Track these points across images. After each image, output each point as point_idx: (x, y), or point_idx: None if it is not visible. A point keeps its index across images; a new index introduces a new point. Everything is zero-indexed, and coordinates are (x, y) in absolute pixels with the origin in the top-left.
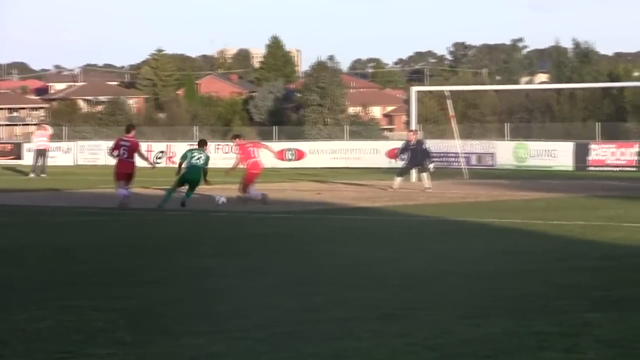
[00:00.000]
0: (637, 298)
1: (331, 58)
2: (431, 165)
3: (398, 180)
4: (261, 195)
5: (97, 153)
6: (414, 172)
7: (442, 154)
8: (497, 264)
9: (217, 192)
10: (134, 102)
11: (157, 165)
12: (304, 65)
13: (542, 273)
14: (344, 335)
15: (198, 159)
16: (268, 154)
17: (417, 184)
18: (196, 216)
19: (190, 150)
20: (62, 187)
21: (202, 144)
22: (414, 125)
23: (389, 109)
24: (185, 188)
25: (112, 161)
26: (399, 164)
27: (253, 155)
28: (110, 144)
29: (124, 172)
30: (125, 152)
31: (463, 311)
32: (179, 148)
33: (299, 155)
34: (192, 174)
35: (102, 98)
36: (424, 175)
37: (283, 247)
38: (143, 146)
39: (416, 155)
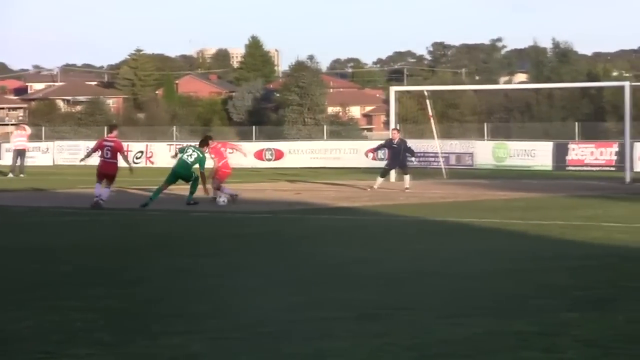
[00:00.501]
0: (616, 298)
1: (311, 58)
2: (414, 159)
3: (380, 180)
4: (234, 195)
5: (76, 153)
6: (393, 172)
7: (421, 154)
8: (477, 264)
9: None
10: (113, 102)
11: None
12: (283, 65)
13: (522, 273)
14: (323, 335)
15: (189, 155)
16: (239, 154)
17: (397, 183)
18: (176, 216)
19: (189, 147)
20: (43, 187)
21: (202, 143)
22: (393, 125)
23: (368, 108)
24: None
25: (92, 161)
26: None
27: (225, 156)
28: (90, 144)
29: (105, 172)
30: (109, 153)
31: (442, 311)
32: (158, 148)
33: (278, 155)
34: (178, 168)
35: (81, 98)
36: (406, 177)
37: (262, 247)
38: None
39: (399, 155)
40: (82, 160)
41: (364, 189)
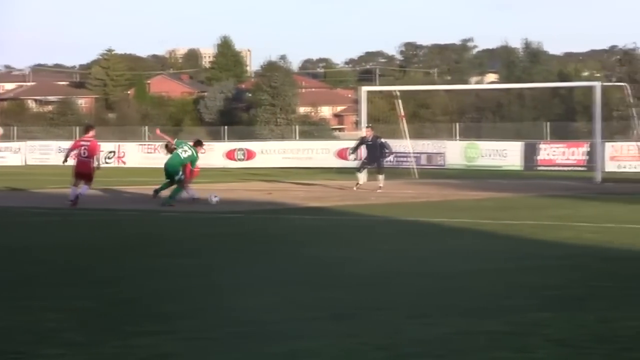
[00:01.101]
0: (587, 297)
1: (283, 58)
2: (391, 158)
3: (360, 175)
4: (197, 198)
5: (47, 153)
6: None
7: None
8: (448, 264)
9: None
10: (84, 102)
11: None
12: (254, 65)
13: (493, 273)
14: (296, 335)
15: (184, 151)
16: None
17: (368, 183)
18: (148, 216)
19: (185, 142)
20: (18, 187)
21: (197, 144)
22: (364, 125)
23: (339, 108)
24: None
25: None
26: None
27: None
28: (61, 143)
29: (81, 171)
30: (86, 152)
31: (415, 311)
32: (129, 148)
33: (250, 155)
34: (169, 165)
35: (52, 98)
36: (381, 177)
37: (234, 247)
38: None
39: (374, 151)
40: (64, 162)
41: (342, 189)
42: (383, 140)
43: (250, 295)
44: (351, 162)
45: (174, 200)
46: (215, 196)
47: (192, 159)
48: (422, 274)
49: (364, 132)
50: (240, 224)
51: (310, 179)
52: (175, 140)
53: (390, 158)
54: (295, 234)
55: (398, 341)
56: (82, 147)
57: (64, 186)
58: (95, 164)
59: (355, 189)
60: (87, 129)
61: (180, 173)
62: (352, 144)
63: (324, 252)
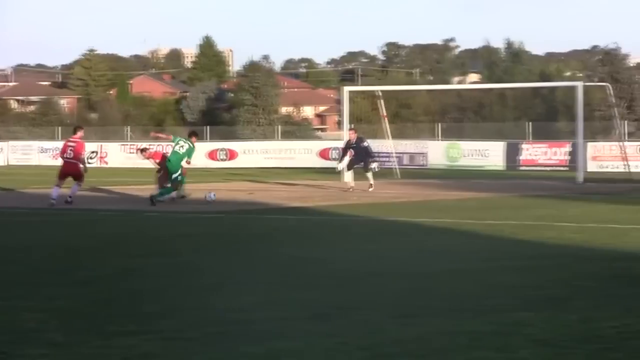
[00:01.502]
0: (568, 297)
1: (266, 58)
2: (374, 165)
3: (349, 174)
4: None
5: (29, 153)
6: (345, 172)
7: (374, 154)
8: (430, 264)
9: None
10: (66, 102)
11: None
12: (236, 65)
13: (474, 272)
14: (276, 335)
15: (181, 147)
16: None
17: (349, 183)
18: (128, 216)
19: (180, 139)
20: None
21: (192, 134)
22: (346, 125)
23: (321, 108)
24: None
25: (45, 162)
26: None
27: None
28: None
29: (68, 172)
30: (72, 153)
31: (395, 311)
32: (111, 148)
33: (231, 155)
34: (171, 164)
35: (34, 98)
36: (369, 175)
37: (215, 247)
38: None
39: (359, 153)
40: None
41: (346, 190)
42: (366, 144)
43: (230, 295)
44: (333, 163)
45: (162, 197)
46: (213, 194)
47: (189, 151)
48: (403, 274)
49: (348, 134)
50: (221, 224)
51: (292, 179)
52: (172, 137)
53: (375, 166)
54: (276, 234)
55: (379, 341)
56: (69, 148)
57: (46, 186)
58: (81, 166)
59: (350, 190)
60: (75, 129)
61: (179, 173)
62: (334, 144)
63: (304, 252)
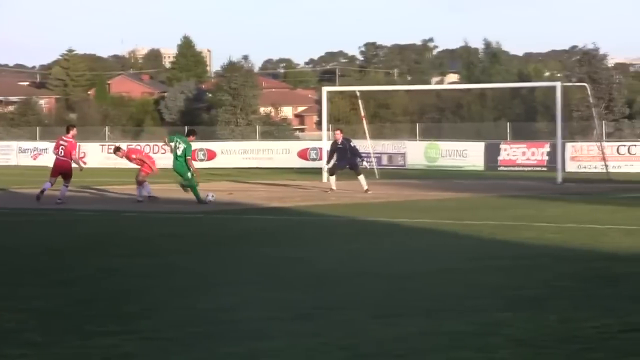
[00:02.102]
0: (548, 297)
1: (245, 58)
2: (365, 163)
3: (332, 179)
4: (153, 196)
5: (8, 153)
6: (324, 173)
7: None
8: (409, 264)
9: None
10: (44, 103)
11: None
12: (215, 65)
13: (454, 273)
14: (257, 335)
15: (177, 149)
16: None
17: (328, 184)
18: (107, 216)
19: (176, 138)
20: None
21: (190, 133)
22: (325, 125)
23: (300, 109)
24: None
25: (24, 162)
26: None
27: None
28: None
29: (59, 170)
30: (63, 151)
31: (376, 311)
32: (90, 148)
33: (210, 155)
34: (175, 166)
35: (12, 98)
36: (360, 177)
37: (195, 247)
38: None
39: (346, 154)
40: (80, 169)
41: (325, 191)
42: (353, 144)
43: (210, 295)
44: (312, 163)
45: (197, 194)
46: (212, 195)
47: (187, 149)
48: (382, 274)
49: (334, 135)
50: (201, 224)
51: (271, 179)
52: (168, 137)
53: (364, 163)
54: (256, 234)
55: (360, 341)
56: (61, 147)
57: (26, 186)
58: (74, 165)
59: (329, 191)
60: (67, 128)
61: (190, 172)
62: (313, 144)
63: (284, 252)
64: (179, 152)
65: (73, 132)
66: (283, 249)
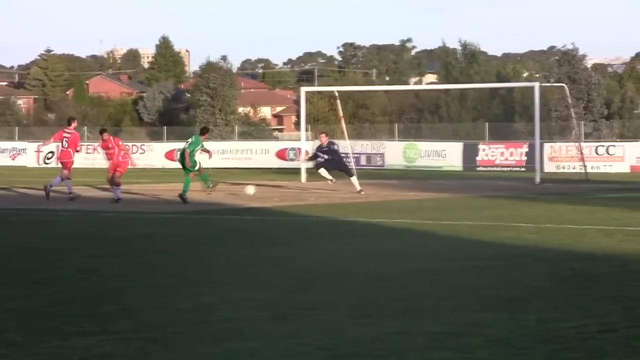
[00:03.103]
0: (526, 298)
1: (223, 58)
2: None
3: (327, 175)
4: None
5: None
6: (303, 173)
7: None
8: (388, 264)
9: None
10: (23, 103)
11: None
12: (193, 65)
13: (432, 273)
14: (234, 336)
15: (187, 142)
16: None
17: (307, 184)
18: (85, 216)
19: (195, 135)
20: None
21: (203, 131)
22: (303, 125)
23: (279, 109)
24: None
25: (2, 162)
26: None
27: (123, 149)
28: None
29: (63, 160)
30: (66, 143)
31: (354, 311)
32: None
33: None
34: (180, 158)
35: None
36: (353, 179)
37: (172, 247)
38: (33, 146)
39: (333, 156)
40: (46, 159)
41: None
42: (336, 147)
43: (187, 296)
44: (291, 163)
45: (210, 184)
46: (251, 188)
47: (193, 144)
48: (360, 275)
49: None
50: (179, 224)
51: (250, 180)
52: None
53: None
54: (234, 235)
55: (338, 341)
56: (64, 139)
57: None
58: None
59: (330, 183)
60: (69, 121)
61: (198, 165)
62: (292, 144)
63: (262, 253)
64: (185, 145)
65: (74, 124)
66: (261, 249)
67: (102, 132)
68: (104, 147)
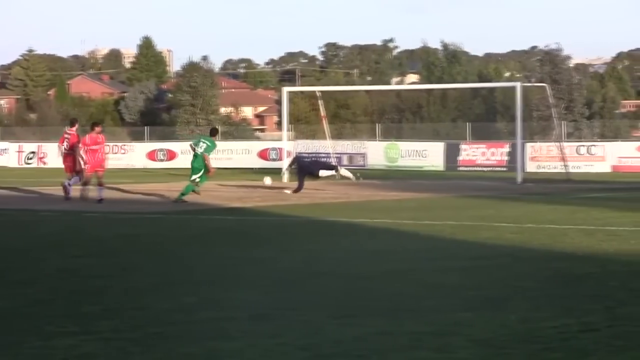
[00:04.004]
0: (508, 297)
1: (205, 58)
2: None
3: (327, 174)
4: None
5: None
6: (286, 172)
7: (313, 155)
8: (369, 264)
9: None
10: (4, 103)
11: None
12: (175, 65)
13: (414, 273)
14: (216, 336)
15: (200, 147)
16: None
17: (290, 184)
18: (66, 216)
19: (199, 139)
20: None
21: (213, 132)
22: (285, 125)
23: (261, 109)
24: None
25: None
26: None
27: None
28: None
29: (67, 163)
30: (68, 144)
31: (335, 311)
32: (50, 148)
33: (171, 155)
34: (194, 161)
35: None
36: (343, 172)
37: (154, 247)
38: (14, 147)
39: (315, 161)
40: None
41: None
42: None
43: (169, 296)
44: (272, 163)
45: (183, 196)
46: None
47: (209, 148)
48: (342, 275)
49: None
50: (161, 225)
51: (232, 180)
52: (193, 141)
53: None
54: (216, 235)
55: (319, 341)
56: (65, 140)
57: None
58: (81, 158)
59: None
60: (72, 122)
61: (200, 173)
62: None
63: (243, 253)
64: (201, 150)
65: (77, 125)
66: (242, 249)
67: (94, 125)
68: (92, 142)
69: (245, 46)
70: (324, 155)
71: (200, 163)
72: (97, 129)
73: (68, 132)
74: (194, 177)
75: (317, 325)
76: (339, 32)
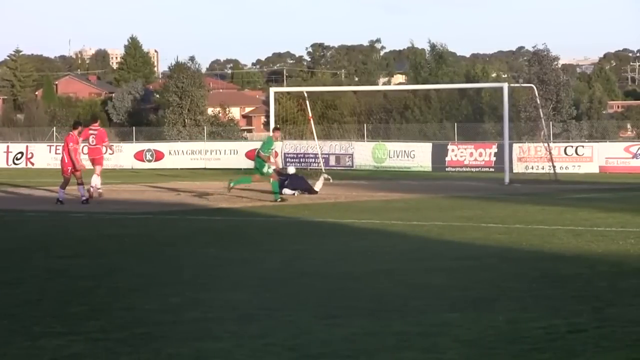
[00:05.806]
0: (495, 298)
1: (192, 59)
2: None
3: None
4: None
5: None
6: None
7: (301, 155)
8: (356, 265)
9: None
10: None
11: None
12: (162, 66)
13: (401, 273)
14: (203, 336)
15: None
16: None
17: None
18: (53, 217)
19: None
20: None
21: (274, 129)
22: (272, 126)
23: (248, 109)
24: None
25: None
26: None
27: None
28: None
29: (94, 157)
30: (94, 140)
31: (322, 311)
32: (38, 149)
33: (158, 156)
34: (257, 161)
35: None
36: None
37: (140, 248)
38: (2, 147)
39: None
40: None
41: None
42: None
43: (156, 296)
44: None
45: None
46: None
47: (265, 145)
48: (329, 275)
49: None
50: (148, 225)
51: (219, 180)
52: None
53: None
54: (202, 235)
55: (306, 342)
56: (91, 136)
57: None
58: (104, 150)
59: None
60: (94, 119)
61: (266, 167)
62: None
63: (230, 253)
64: (259, 147)
65: (99, 122)
66: (229, 249)
67: (95, 119)
68: (99, 138)
69: (233, 47)
70: (311, 155)
71: (260, 161)
72: (95, 124)
73: (93, 128)
74: (264, 170)
75: (305, 325)
76: (325, 33)
